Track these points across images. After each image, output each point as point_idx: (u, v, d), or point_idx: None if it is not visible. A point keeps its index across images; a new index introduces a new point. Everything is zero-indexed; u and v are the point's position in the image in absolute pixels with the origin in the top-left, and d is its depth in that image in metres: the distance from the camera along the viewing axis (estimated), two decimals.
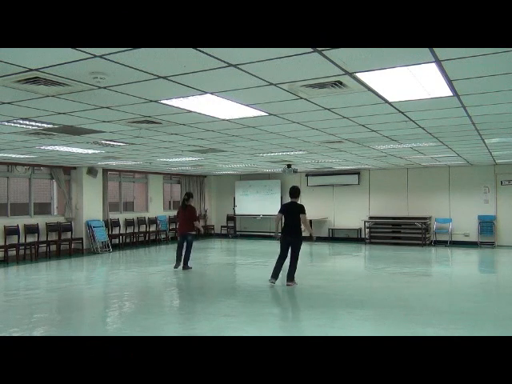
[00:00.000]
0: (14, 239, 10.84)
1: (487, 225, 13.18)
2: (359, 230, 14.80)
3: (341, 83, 3.86)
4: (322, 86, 3.93)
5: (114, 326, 5.53)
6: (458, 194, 13.60)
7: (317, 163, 11.98)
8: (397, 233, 14.06)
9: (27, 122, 5.61)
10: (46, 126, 5.84)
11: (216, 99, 4.42)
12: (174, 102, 4.58)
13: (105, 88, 3.97)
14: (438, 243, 13.68)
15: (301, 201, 7.61)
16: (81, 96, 4.25)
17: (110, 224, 13.35)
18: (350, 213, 14.95)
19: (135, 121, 5.57)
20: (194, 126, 6.04)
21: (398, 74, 3.57)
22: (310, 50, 2.98)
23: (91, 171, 12.51)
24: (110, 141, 7.28)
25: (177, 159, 10.46)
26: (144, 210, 14.96)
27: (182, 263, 9.15)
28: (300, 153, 9.41)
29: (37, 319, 5.73)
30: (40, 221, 11.62)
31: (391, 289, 7.39)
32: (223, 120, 5.57)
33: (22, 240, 11.03)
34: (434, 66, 3.36)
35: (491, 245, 13.08)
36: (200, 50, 2.95)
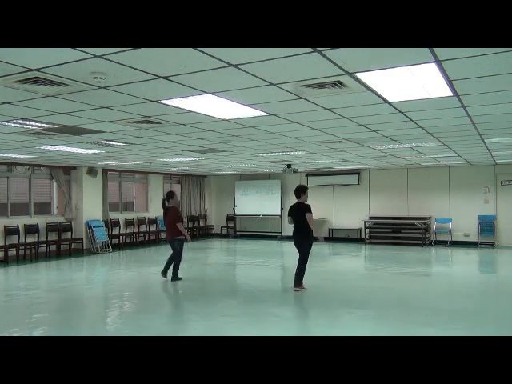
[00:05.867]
0: (14, 239, 10.84)
1: (487, 225, 13.17)
2: (359, 230, 14.80)
3: (341, 83, 3.86)
4: (322, 86, 3.93)
5: (114, 325, 5.53)
6: (457, 194, 13.59)
7: (317, 163, 11.98)
8: (397, 233, 14.06)
9: (27, 122, 5.61)
10: (45, 125, 5.84)
11: (216, 99, 4.42)
12: (174, 102, 4.58)
13: (105, 88, 3.97)
14: (437, 243, 13.68)
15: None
16: (81, 96, 4.25)
17: (110, 224, 13.36)
18: (350, 213, 14.96)
19: (135, 121, 5.57)
20: (193, 126, 6.03)
21: (398, 73, 3.57)
22: (310, 49, 2.99)
23: (91, 171, 12.51)
24: (110, 141, 7.28)
25: (177, 159, 10.46)
26: (144, 210, 14.96)
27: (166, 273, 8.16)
28: (300, 153, 9.41)
29: (37, 319, 5.73)
30: (40, 221, 11.62)
31: (391, 289, 7.39)
32: (223, 120, 5.57)
33: (22, 240, 11.03)
34: (434, 65, 3.36)
35: (491, 245, 13.07)
36: (200, 50, 2.95)
